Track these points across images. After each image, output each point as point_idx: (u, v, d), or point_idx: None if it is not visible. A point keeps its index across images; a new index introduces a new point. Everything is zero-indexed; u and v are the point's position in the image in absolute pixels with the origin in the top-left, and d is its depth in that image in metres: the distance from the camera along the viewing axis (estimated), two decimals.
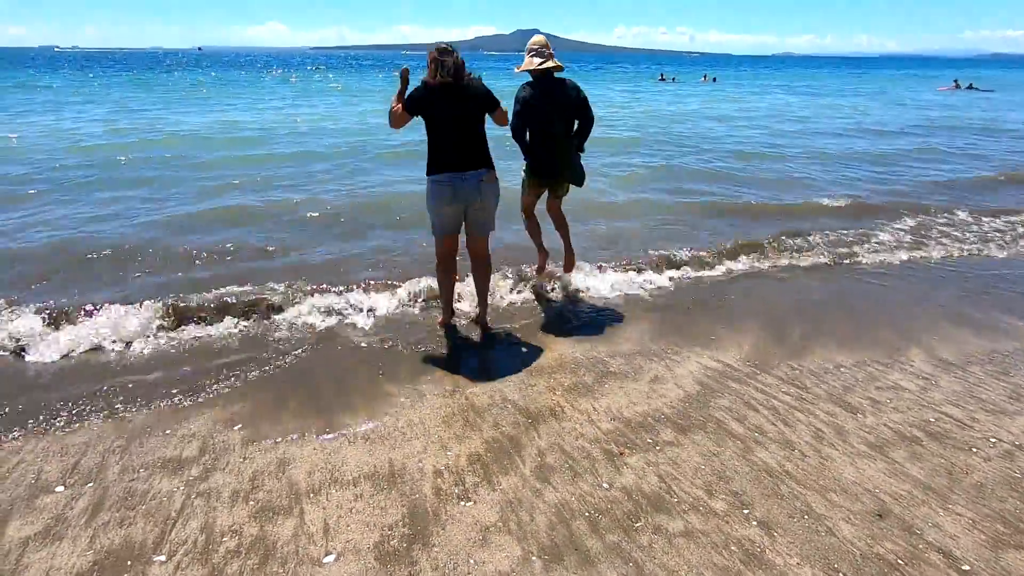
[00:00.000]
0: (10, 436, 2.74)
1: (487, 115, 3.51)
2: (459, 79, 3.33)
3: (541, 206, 4.42)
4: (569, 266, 4.47)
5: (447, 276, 3.75)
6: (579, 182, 4.17)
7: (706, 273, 4.91)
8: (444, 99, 3.33)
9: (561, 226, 4.40)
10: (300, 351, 3.57)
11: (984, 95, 28.98)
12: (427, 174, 3.46)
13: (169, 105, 18.33)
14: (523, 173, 4.18)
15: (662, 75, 43.93)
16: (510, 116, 3.81)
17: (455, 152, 3.39)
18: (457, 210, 3.50)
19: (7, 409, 2.95)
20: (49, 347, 3.48)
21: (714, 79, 40.89)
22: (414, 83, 3.40)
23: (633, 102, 22.32)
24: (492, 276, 3.95)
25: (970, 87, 33.00)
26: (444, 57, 3.32)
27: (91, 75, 36.41)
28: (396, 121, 3.40)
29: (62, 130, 12.23)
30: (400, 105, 3.37)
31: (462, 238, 3.70)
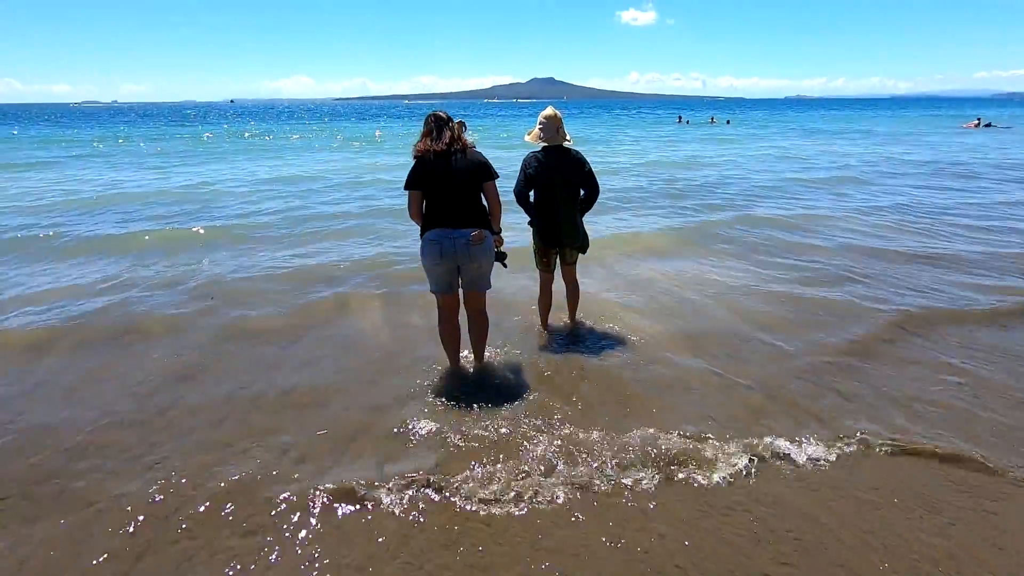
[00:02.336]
0: None
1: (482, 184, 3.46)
2: (452, 146, 3.37)
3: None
4: (572, 318, 4.51)
5: (448, 331, 3.69)
6: (582, 249, 4.29)
7: None
8: (438, 166, 3.36)
9: (572, 294, 4.47)
10: None
11: (1003, 130, 28.98)
12: (420, 235, 3.50)
13: None
14: (532, 242, 4.29)
15: (680, 117, 44.77)
16: (517, 181, 4.03)
17: (448, 210, 3.40)
18: (449, 268, 3.49)
19: None
20: None
21: (727, 121, 41.19)
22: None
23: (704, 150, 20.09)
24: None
25: (987, 125, 32.86)
26: (438, 125, 3.40)
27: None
28: (412, 207, 3.46)
29: None
30: (409, 200, 3.44)
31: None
